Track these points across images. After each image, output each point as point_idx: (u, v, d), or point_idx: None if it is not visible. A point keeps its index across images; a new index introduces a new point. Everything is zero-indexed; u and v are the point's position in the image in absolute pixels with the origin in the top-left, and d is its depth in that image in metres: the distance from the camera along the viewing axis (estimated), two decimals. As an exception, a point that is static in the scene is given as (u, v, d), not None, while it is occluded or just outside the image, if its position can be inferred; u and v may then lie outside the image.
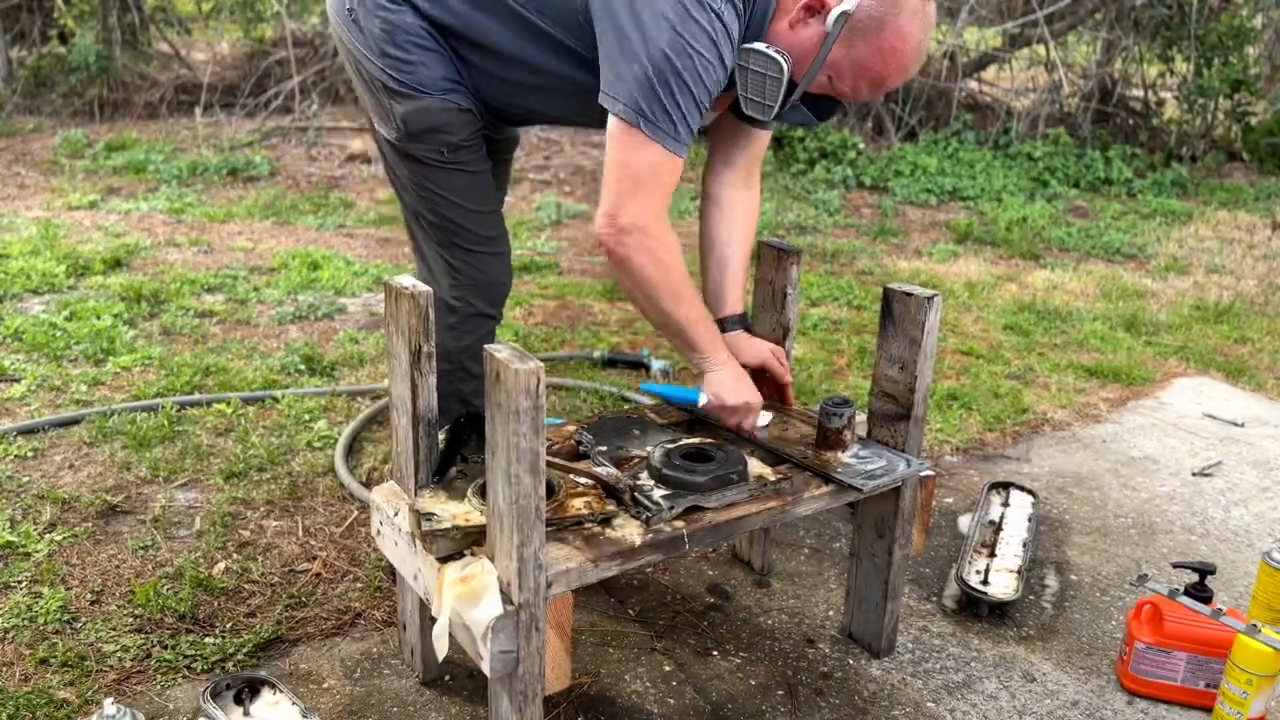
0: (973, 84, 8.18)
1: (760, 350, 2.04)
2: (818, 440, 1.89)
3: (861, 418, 2.03)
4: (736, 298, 2.05)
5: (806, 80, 1.71)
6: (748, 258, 2.06)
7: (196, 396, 2.99)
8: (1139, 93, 7.96)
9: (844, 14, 1.64)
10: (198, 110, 7.09)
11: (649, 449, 1.83)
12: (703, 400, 1.91)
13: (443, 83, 1.92)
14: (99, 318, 3.53)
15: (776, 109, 1.73)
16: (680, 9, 1.62)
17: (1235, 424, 3.25)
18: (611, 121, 1.70)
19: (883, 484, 1.80)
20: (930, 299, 1.78)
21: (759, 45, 1.68)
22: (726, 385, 1.88)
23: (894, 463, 1.85)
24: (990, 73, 8.54)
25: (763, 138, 2.04)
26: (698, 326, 1.83)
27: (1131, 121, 7.82)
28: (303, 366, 3.26)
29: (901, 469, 1.83)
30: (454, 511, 1.59)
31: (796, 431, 1.97)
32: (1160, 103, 7.86)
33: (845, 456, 1.85)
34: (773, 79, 1.68)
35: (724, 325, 2.03)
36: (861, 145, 6.85)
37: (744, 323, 2.06)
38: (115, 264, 4.19)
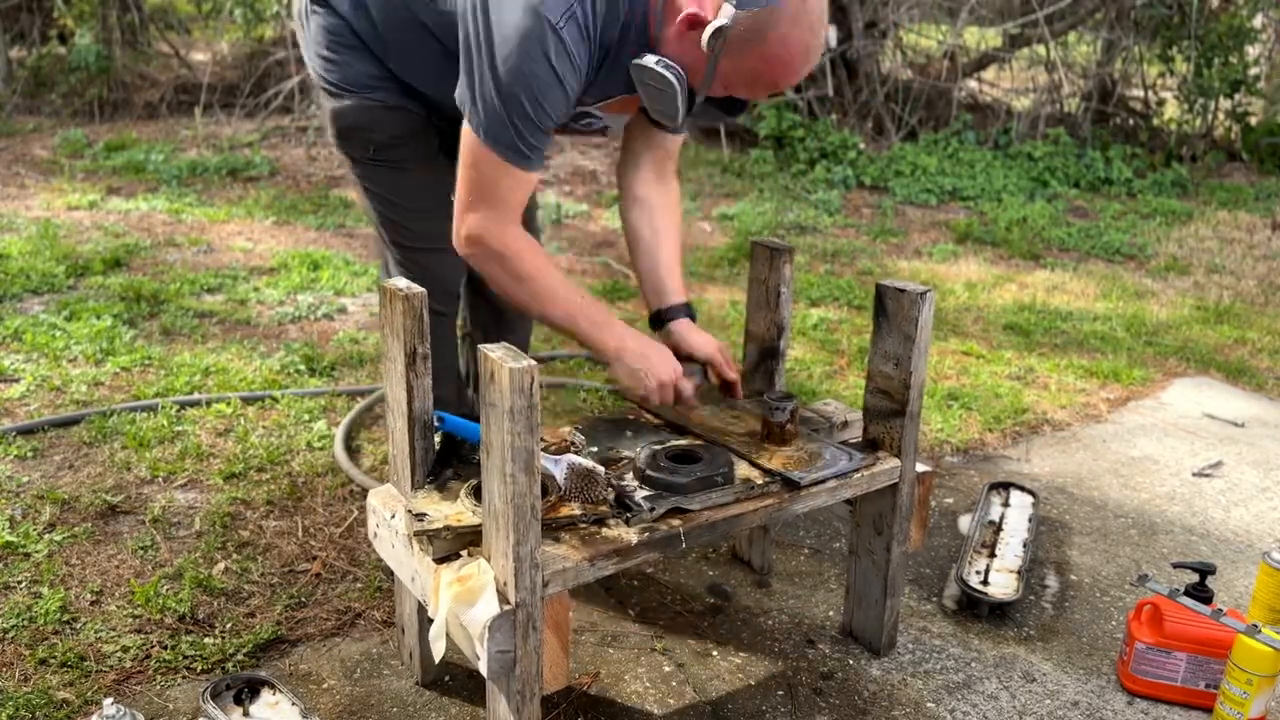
0: (973, 84, 8.18)
1: (708, 344, 2.00)
2: (763, 434, 1.89)
3: (859, 415, 2.03)
4: (675, 288, 2.02)
5: (702, 90, 1.69)
6: (677, 249, 2.05)
7: (196, 396, 2.99)
8: (1139, 93, 7.96)
9: (719, 29, 1.59)
10: (198, 110, 7.09)
11: (638, 450, 1.82)
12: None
13: (367, 80, 1.94)
14: (99, 318, 3.54)
15: (680, 117, 1.70)
16: (522, 31, 1.60)
17: (1235, 424, 3.25)
18: (464, 130, 1.72)
19: (821, 478, 1.78)
20: (923, 295, 1.78)
21: (649, 60, 1.65)
22: (624, 373, 1.84)
23: (836, 456, 1.84)
24: (990, 73, 8.54)
25: (673, 139, 2.05)
26: (576, 321, 1.81)
27: (1131, 121, 7.82)
28: (302, 367, 3.27)
29: (843, 463, 1.82)
30: (446, 512, 1.59)
31: (745, 425, 1.96)
32: (1160, 103, 7.86)
33: (789, 451, 1.85)
34: (669, 94, 1.66)
35: (667, 315, 2.02)
36: (861, 145, 6.85)
37: (688, 312, 2.02)
38: (115, 264, 4.19)
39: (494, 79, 1.64)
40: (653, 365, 1.83)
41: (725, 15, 1.58)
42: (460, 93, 1.71)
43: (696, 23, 1.64)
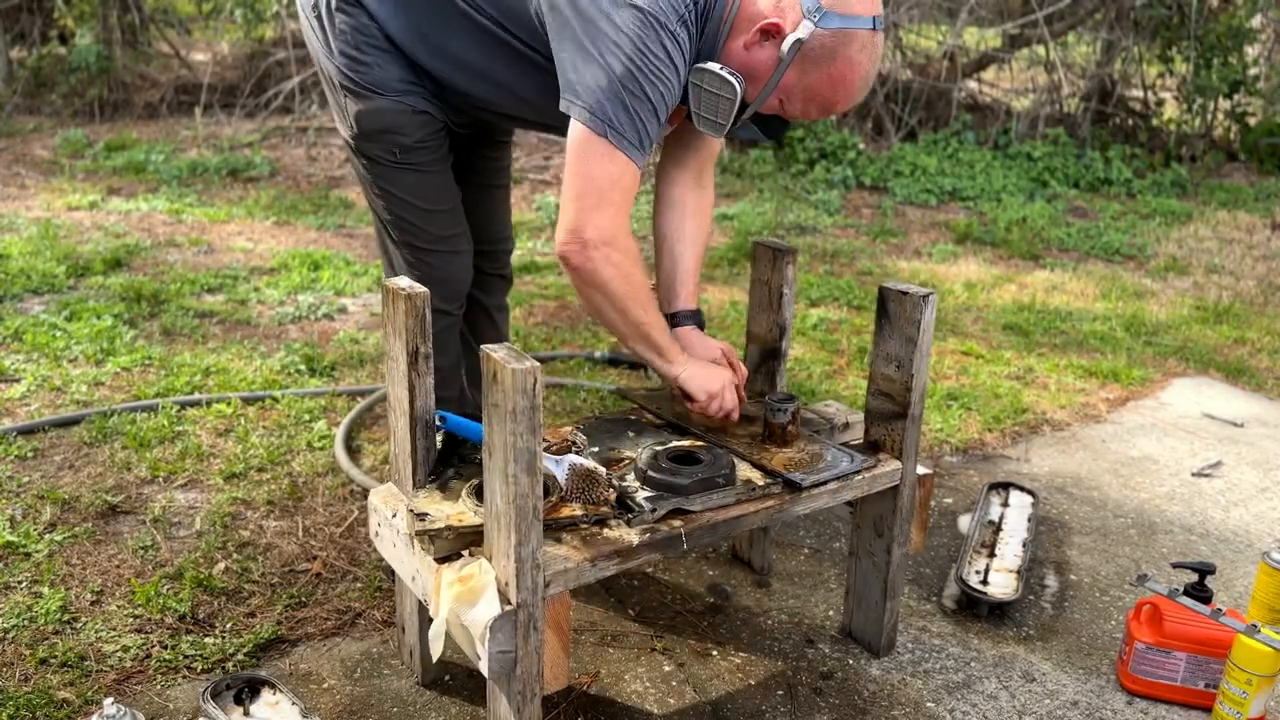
0: (973, 84, 8.18)
1: (711, 348, 2.03)
2: (764, 435, 1.89)
3: (860, 417, 2.03)
4: (689, 294, 2.04)
5: (758, 102, 1.75)
6: (701, 255, 2.06)
7: (196, 396, 2.99)
8: (1138, 93, 7.96)
9: (798, 41, 1.67)
10: (198, 110, 7.09)
11: (639, 450, 1.83)
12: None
13: (397, 84, 1.93)
14: (99, 318, 3.54)
15: (728, 127, 1.75)
16: (639, 25, 1.64)
17: (1235, 424, 3.25)
18: (575, 128, 1.70)
19: (822, 479, 1.78)
20: (925, 297, 1.78)
21: (713, 66, 1.70)
22: (703, 375, 1.89)
23: (837, 458, 1.85)
24: (990, 73, 8.55)
25: (715, 141, 2.05)
26: (661, 330, 1.86)
27: (1131, 122, 7.83)
28: (303, 367, 3.27)
29: (845, 465, 1.82)
30: (448, 512, 1.59)
31: (747, 426, 1.97)
32: (1160, 103, 7.86)
33: (790, 452, 1.85)
34: (726, 99, 1.71)
35: (677, 320, 2.03)
36: (861, 145, 6.85)
37: (697, 319, 2.04)
38: (115, 264, 4.20)
39: (613, 70, 1.64)
40: (714, 369, 1.90)
41: (804, 30, 1.66)
42: (569, 86, 1.70)
43: (773, 32, 1.69)
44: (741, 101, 1.72)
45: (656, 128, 1.72)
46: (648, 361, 1.90)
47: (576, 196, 1.71)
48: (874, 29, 1.70)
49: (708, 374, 1.90)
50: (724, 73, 1.69)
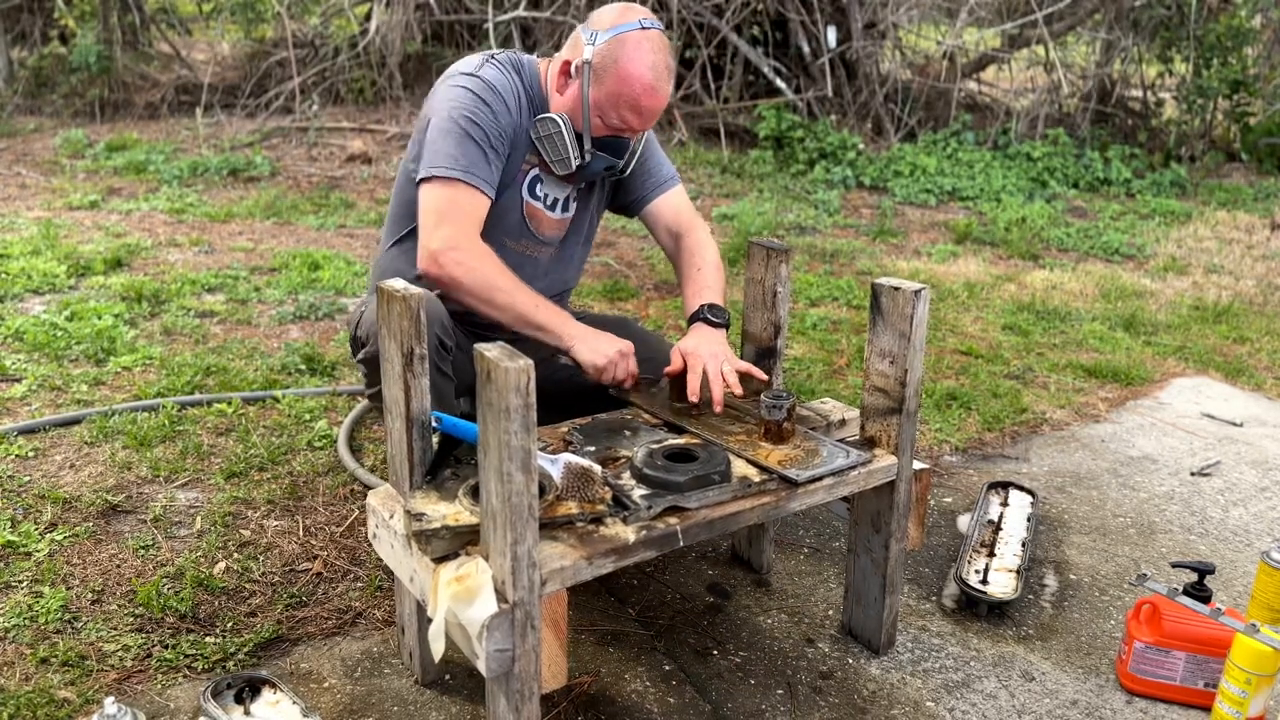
0: (972, 84, 8.19)
1: (678, 356, 2.07)
2: (760, 432, 1.90)
3: (856, 414, 2.03)
4: (689, 299, 2.23)
5: (586, 125, 2.05)
6: (694, 273, 2.27)
7: (197, 396, 2.99)
8: (1138, 93, 7.96)
9: (585, 63, 2.02)
10: (198, 110, 7.10)
11: (635, 449, 1.83)
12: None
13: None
14: (100, 318, 3.54)
15: (577, 159, 2.07)
16: (450, 85, 2.04)
17: (1234, 424, 3.25)
18: (419, 191, 2.01)
19: (817, 475, 1.78)
20: (917, 293, 1.79)
21: (541, 115, 2.05)
22: (593, 348, 2.02)
23: (833, 454, 1.85)
24: (990, 73, 8.55)
25: (657, 213, 2.30)
26: (540, 311, 2.02)
27: (1130, 122, 7.83)
28: (303, 366, 3.27)
29: (840, 460, 1.83)
30: (444, 512, 1.60)
31: (744, 424, 1.97)
32: (1159, 103, 7.86)
33: (786, 449, 1.85)
34: (559, 135, 2.05)
35: (689, 321, 2.19)
36: (861, 146, 6.85)
37: (700, 316, 2.17)
38: (116, 264, 4.20)
39: (435, 127, 2.00)
40: (605, 343, 2.04)
41: (588, 53, 2.02)
42: (420, 164, 2.02)
43: (569, 69, 2.05)
44: (576, 133, 2.05)
45: (482, 158, 1.99)
46: (543, 341, 2.03)
47: (422, 228, 1.98)
48: (642, 28, 2.01)
49: (597, 345, 2.02)
50: (549, 115, 2.05)
